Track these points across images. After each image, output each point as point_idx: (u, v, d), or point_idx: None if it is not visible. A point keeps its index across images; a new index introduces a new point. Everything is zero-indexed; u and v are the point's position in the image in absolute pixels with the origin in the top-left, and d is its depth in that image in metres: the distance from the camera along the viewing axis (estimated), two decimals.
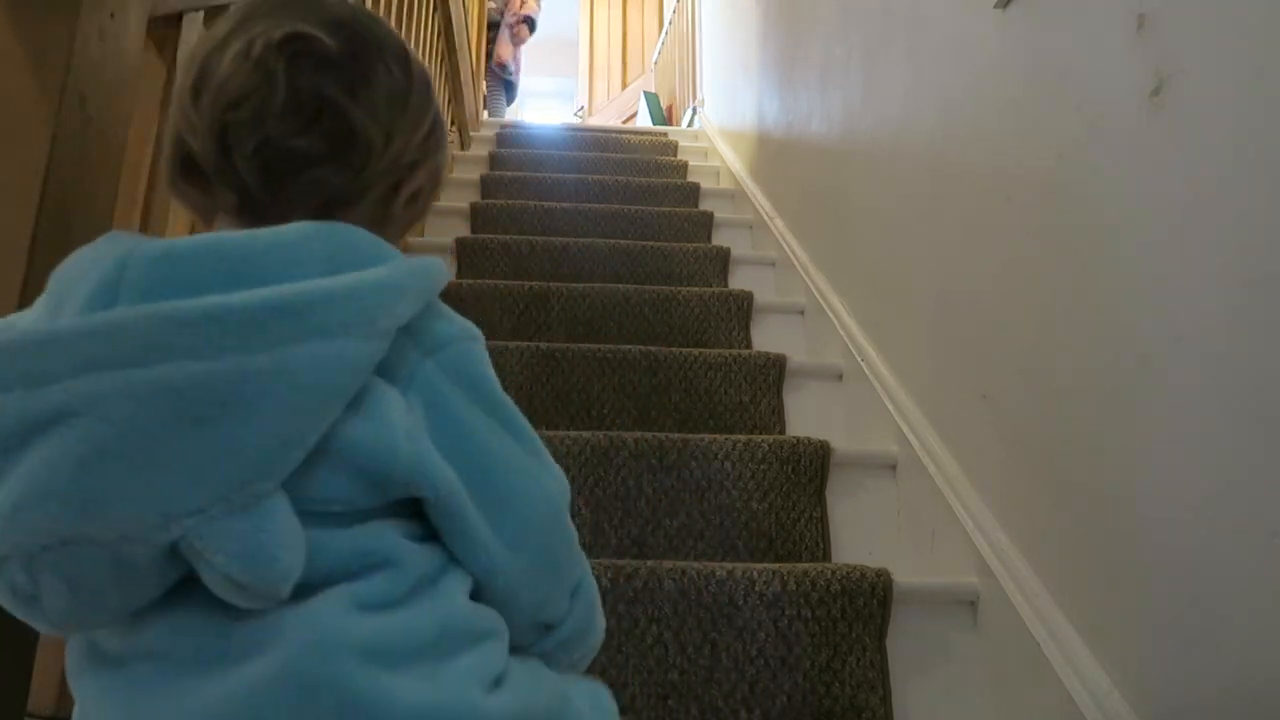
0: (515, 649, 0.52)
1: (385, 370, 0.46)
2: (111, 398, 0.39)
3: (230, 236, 0.46)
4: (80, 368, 0.40)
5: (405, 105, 0.54)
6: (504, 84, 5.13)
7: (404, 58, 0.55)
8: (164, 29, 0.76)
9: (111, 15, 0.59)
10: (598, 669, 0.97)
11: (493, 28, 5.00)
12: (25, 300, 0.51)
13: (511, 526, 0.50)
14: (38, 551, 0.40)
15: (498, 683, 0.47)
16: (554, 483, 0.54)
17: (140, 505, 0.40)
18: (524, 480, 0.52)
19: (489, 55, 4.91)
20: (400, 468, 0.46)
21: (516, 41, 5.13)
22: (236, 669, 0.41)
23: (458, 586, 0.49)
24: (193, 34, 0.80)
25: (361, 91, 0.51)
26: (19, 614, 0.42)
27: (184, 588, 0.43)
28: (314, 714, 0.41)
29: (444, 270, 0.51)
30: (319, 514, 0.44)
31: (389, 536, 0.47)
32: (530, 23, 5.13)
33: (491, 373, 0.52)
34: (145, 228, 0.73)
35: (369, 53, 0.52)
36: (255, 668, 0.41)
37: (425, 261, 0.49)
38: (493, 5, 5.05)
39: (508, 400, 0.53)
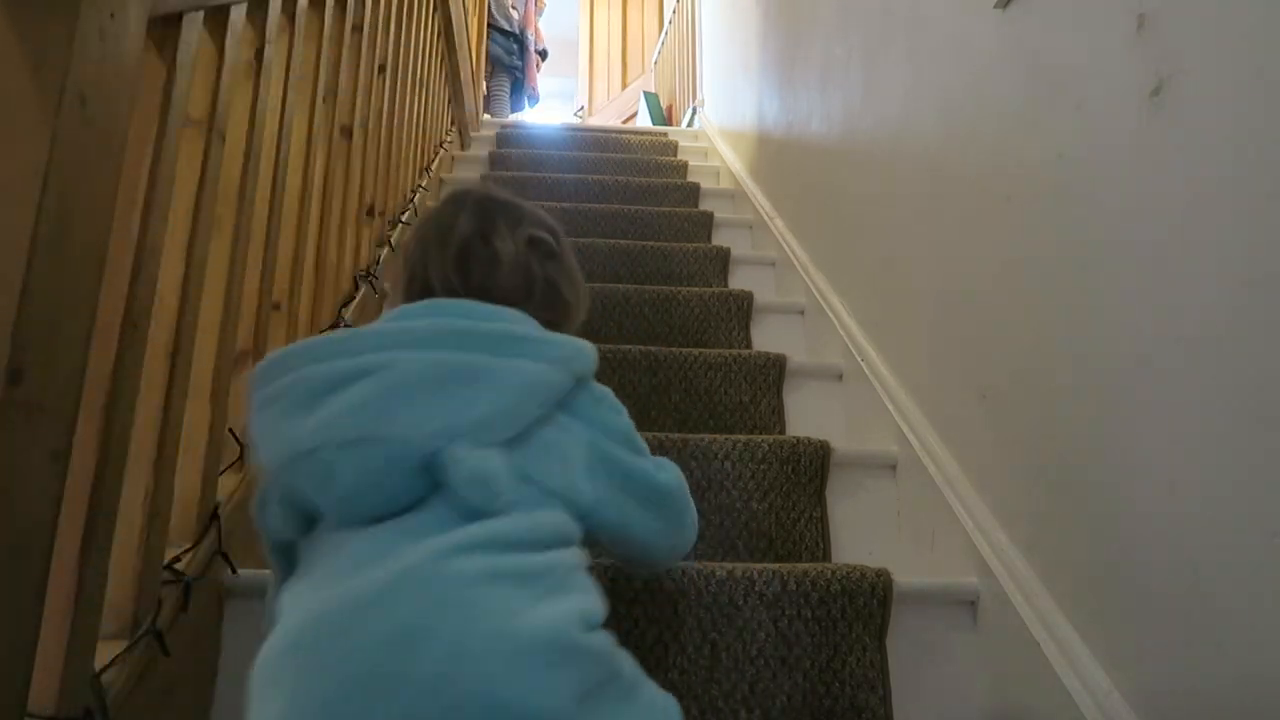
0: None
1: (575, 411, 0.71)
2: (401, 363, 0.63)
3: (477, 304, 0.73)
4: (380, 347, 0.65)
5: (575, 279, 0.84)
6: (530, 98, 5.57)
7: (564, 242, 0.85)
8: (164, 29, 0.76)
9: (111, 15, 0.58)
10: None
11: (509, 37, 5.21)
12: (25, 300, 0.51)
13: (655, 511, 0.78)
14: (344, 444, 0.61)
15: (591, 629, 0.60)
16: (675, 477, 0.82)
17: (411, 424, 0.62)
18: (659, 484, 0.78)
19: (495, 71, 5.19)
20: (584, 502, 0.69)
21: (538, 69, 5.63)
22: (368, 573, 0.57)
23: (582, 574, 0.65)
24: (193, 34, 0.80)
25: (567, 274, 0.82)
26: (316, 490, 0.62)
27: (384, 521, 0.61)
28: (405, 601, 0.55)
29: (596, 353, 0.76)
30: (521, 477, 0.64)
31: (560, 515, 0.65)
32: (544, 54, 5.73)
33: (624, 415, 0.77)
34: (145, 228, 0.73)
35: (563, 245, 0.84)
36: (384, 569, 0.56)
37: (589, 344, 0.75)
38: (516, 14, 5.25)
39: (635, 434, 0.78)
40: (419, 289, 0.78)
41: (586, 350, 0.73)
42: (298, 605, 0.58)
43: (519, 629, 0.54)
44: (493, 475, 0.61)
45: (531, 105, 5.65)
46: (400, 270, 0.82)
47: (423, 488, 0.61)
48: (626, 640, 0.98)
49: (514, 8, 5.33)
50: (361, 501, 0.61)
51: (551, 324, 0.75)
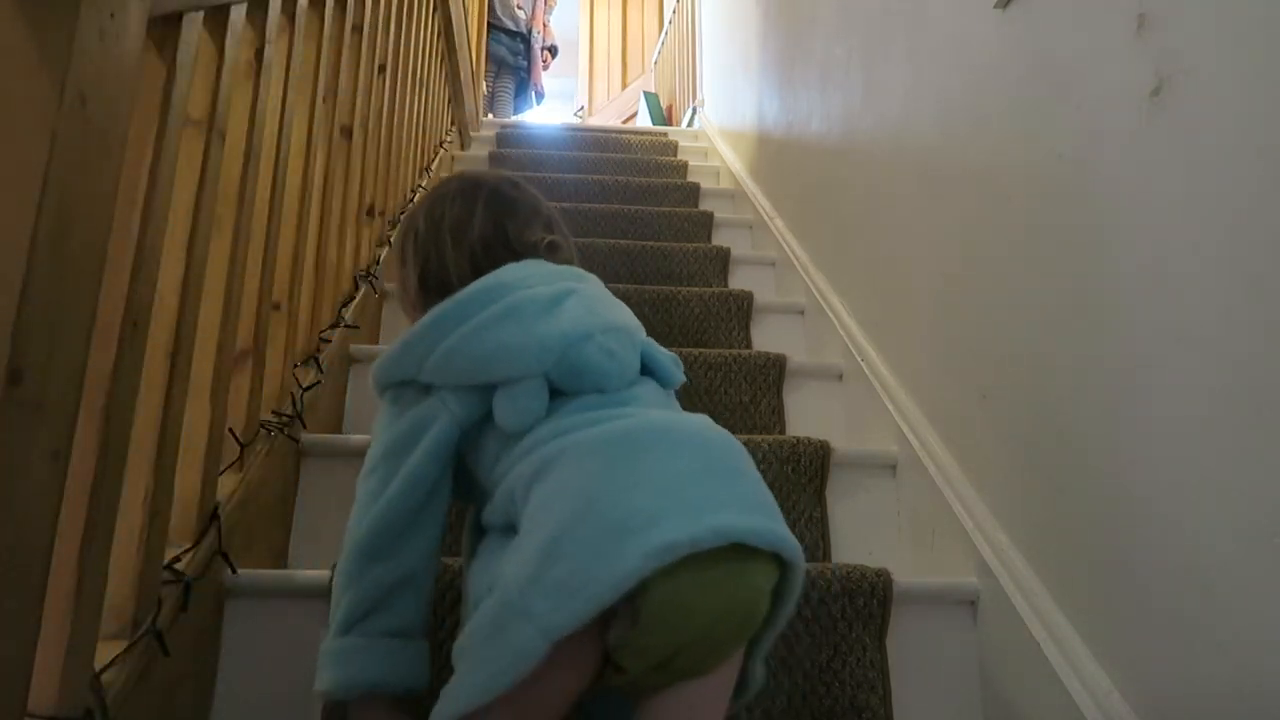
0: None
1: None
2: (582, 289, 0.85)
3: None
4: (558, 278, 0.85)
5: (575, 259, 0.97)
6: (536, 95, 5.54)
7: (561, 227, 0.99)
8: (164, 29, 0.76)
9: (111, 15, 0.58)
10: None
11: (515, 37, 5.18)
12: (25, 300, 0.51)
13: None
14: (607, 329, 0.81)
15: None
16: None
17: (623, 322, 0.85)
18: None
19: (506, 69, 5.14)
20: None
21: (545, 67, 5.60)
22: (660, 414, 0.80)
23: None
24: (193, 34, 0.80)
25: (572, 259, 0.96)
26: (601, 362, 0.79)
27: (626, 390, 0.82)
28: (697, 425, 0.78)
29: None
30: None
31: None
32: (554, 50, 5.66)
33: None
34: (145, 228, 0.73)
35: (564, 233, 0.97)
36: (671, 414, 0.82)
37: None
38: (522, 14, 5.22)
39: None
40: (435, 282, 0.89)
41: None
42: (608, 424, 0.76)
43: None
44: (671, 365, 0.88)
45: (538, 103, 5.64)
46: (410, 254, 0.93)
47: (640, 367, 0.84)
48: None
49: (520, 7, 5.31)
50: (628, 369, 0.82)
51: None
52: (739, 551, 0.67)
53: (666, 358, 0.86)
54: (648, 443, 0.73)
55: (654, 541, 0.64)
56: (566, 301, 0.82)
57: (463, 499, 0.86)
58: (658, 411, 0.80)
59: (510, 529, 0.74)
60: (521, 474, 0.73)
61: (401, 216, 2.06)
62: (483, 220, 0.91)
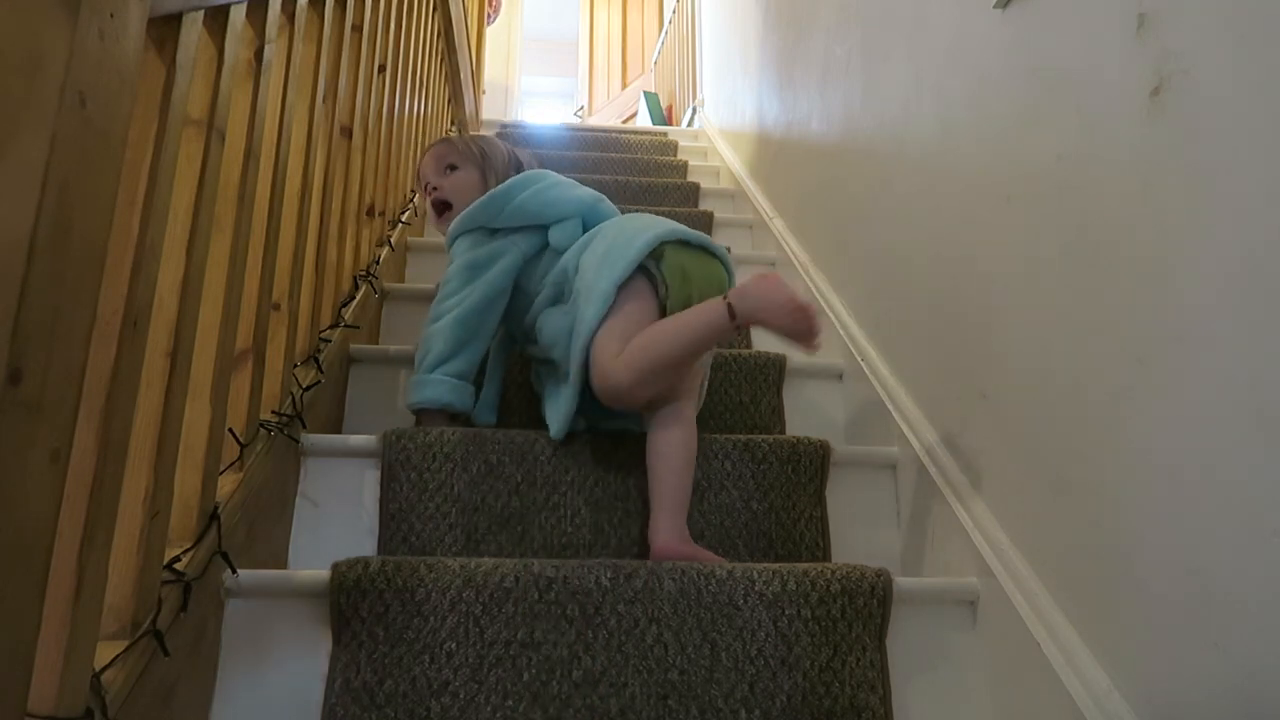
0: None
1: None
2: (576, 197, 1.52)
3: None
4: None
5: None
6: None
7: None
8: (164, 29, 0.76)
9: (111, 15, 0.58)
10: (599, 669, 0.97)
11: None
12: (25, 300, 0.51)
13: None
14: (599, 200, 1.49)
15: None
16: None
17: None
18: None
19: None
20: None
21: None
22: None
23: None
24: (193, 34, 0.80)
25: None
26: (611, 214, 1.48)
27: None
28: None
29: None
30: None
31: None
32: None
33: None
34: (145, 228, 0.73)
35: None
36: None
37: None
38: None
39: None
40: (494, 173, 1.53)
41: None
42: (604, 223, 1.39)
43: None
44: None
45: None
46: (490, 157, 1.56)
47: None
48: (626, 640, 0.98)
49: None
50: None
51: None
52: (696, 248, 1.31)
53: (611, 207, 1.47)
54: (632, 216, 1.35)
55: (653, 236, 1.25)
56: (580, 187, 1.47)
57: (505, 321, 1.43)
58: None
59: (559, 299, 1.34)
60: (570, 258, 1.33)
61: (401, 217, 2.06)
62: (508, 152, 1.60)
